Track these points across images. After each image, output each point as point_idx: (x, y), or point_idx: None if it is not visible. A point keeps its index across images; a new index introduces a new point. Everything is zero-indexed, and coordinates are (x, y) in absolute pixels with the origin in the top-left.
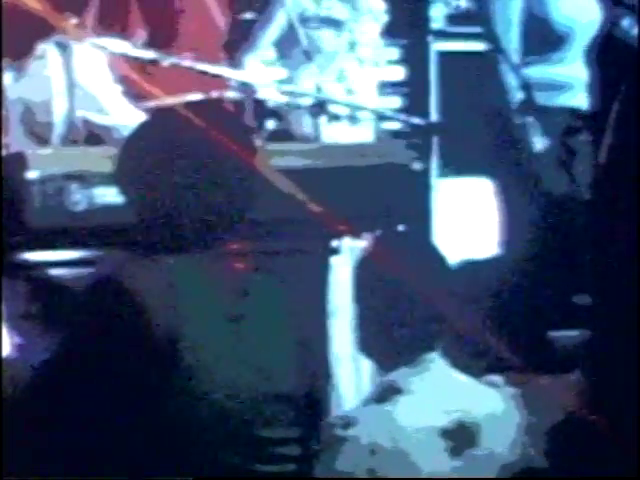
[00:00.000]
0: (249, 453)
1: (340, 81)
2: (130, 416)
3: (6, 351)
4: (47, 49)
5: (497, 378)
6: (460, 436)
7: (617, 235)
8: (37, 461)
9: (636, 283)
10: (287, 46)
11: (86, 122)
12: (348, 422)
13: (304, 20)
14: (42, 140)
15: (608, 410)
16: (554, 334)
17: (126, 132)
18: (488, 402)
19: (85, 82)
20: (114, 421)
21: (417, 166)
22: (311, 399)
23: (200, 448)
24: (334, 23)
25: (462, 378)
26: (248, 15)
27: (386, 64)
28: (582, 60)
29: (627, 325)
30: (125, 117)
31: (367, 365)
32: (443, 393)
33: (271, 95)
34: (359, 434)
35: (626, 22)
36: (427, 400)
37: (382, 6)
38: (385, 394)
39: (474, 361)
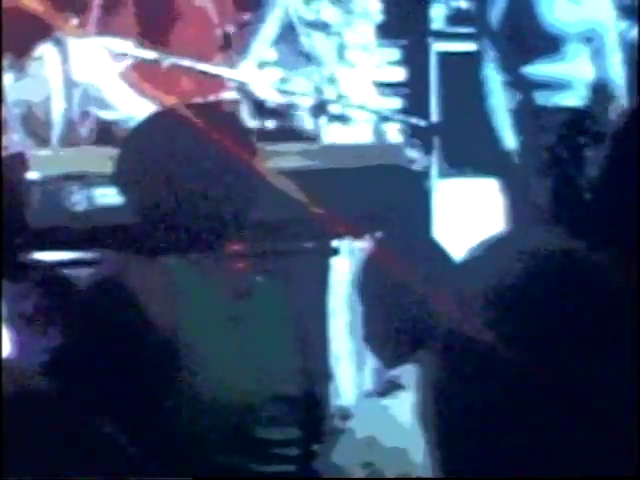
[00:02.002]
0: (249, 454)
1: (340, 82)
2: (130, 416)
3: (6, 351)
4: (45, 49)
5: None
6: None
7: (620, 235)
8: (37, 461)
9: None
10: (285, 47)
11: (92, 118)
12: (346, 414)
13: (301, 21)
14: (42, 141)
15: (607, 410)
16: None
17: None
18: None
19: (87, 79)
20: (114, 421)
21: (418, 167)
22: (311, 400)
23: (200, 449)
24: (330, 26)
25: None
26: (245, 16)
27: (386, 65)
28: (581, 59)
29: (628, 326)
30: (132, 109)
31: (367, 364)
32: None
33: (271, 96)
34: (356, 427)
35: (625, 22)
36: None
37: (377, 7)
38: (387, 390)
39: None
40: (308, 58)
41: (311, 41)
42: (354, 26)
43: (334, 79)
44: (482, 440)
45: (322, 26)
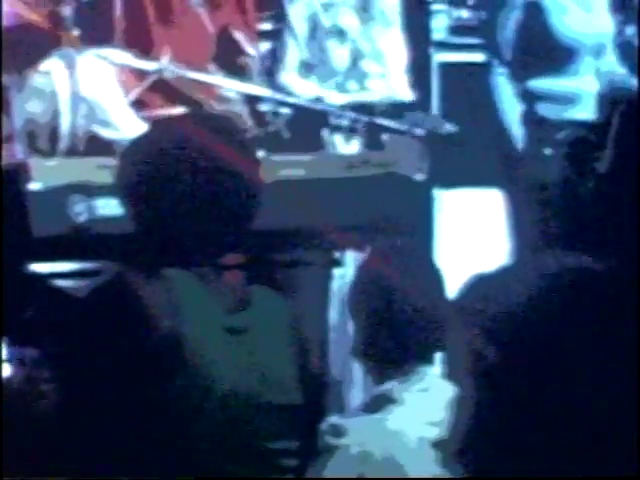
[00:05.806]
0: (250, 464)
1: (341, 91)
2: (131, 425)
3: (5, 360)
4: (51, 62)
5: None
6: (451, 448)
7: (622, 244)
8: (37, 461)
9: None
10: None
11: (92, 136)
12: (339, 430)
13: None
14: (45, 153)
15: (607, 411)
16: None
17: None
18: None
19: (90, 94)
20: (114, 430)
21: (419, 177)
22: (310, 411)
23: (200, 458)
24: (341, 33)
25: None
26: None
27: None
28: (589, 72)
29: (628, 327)
30: (132, 129)
31: (361, 378)
32: (437, 406)
33: (273, 105)
34: (350, 442)
35: (630, 30)
36: (420, 412)
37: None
38: (379, 404)
39: (470, 375)
40: (310, 67)
41: (317, 49)
42: (370, 32)
43: (334, 87)
44: (486, 440)
45: (334, 34)
